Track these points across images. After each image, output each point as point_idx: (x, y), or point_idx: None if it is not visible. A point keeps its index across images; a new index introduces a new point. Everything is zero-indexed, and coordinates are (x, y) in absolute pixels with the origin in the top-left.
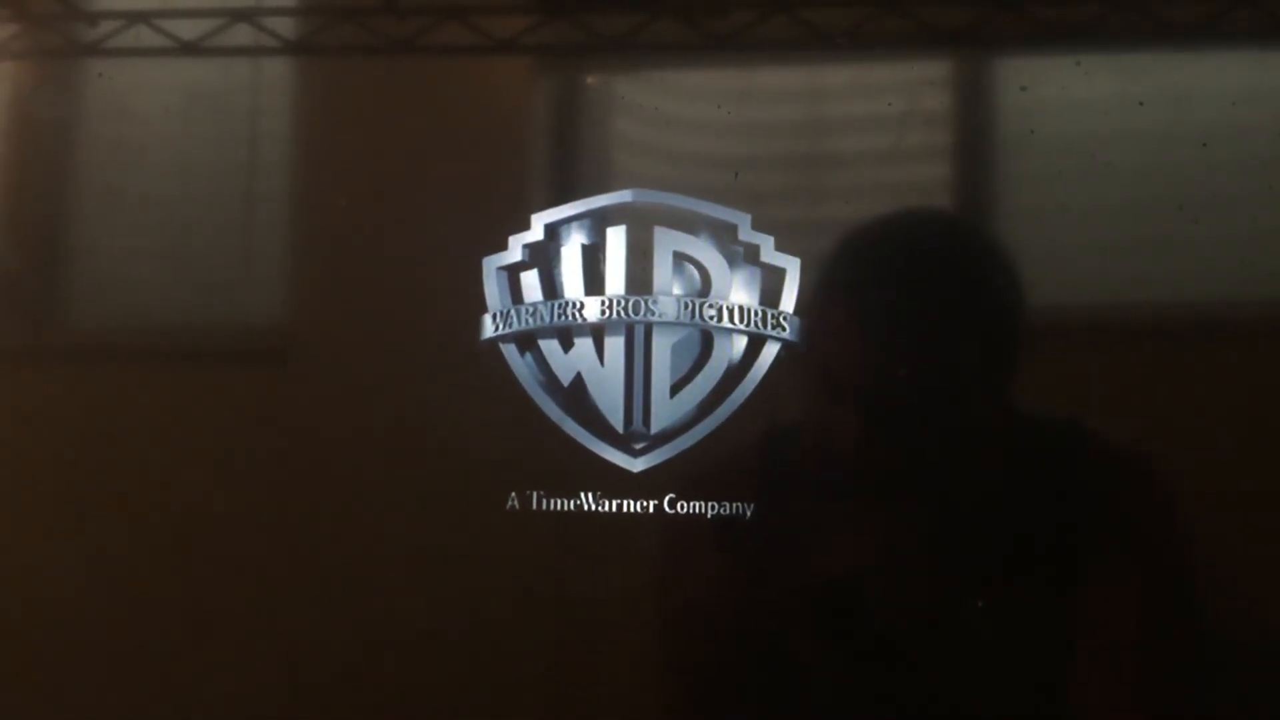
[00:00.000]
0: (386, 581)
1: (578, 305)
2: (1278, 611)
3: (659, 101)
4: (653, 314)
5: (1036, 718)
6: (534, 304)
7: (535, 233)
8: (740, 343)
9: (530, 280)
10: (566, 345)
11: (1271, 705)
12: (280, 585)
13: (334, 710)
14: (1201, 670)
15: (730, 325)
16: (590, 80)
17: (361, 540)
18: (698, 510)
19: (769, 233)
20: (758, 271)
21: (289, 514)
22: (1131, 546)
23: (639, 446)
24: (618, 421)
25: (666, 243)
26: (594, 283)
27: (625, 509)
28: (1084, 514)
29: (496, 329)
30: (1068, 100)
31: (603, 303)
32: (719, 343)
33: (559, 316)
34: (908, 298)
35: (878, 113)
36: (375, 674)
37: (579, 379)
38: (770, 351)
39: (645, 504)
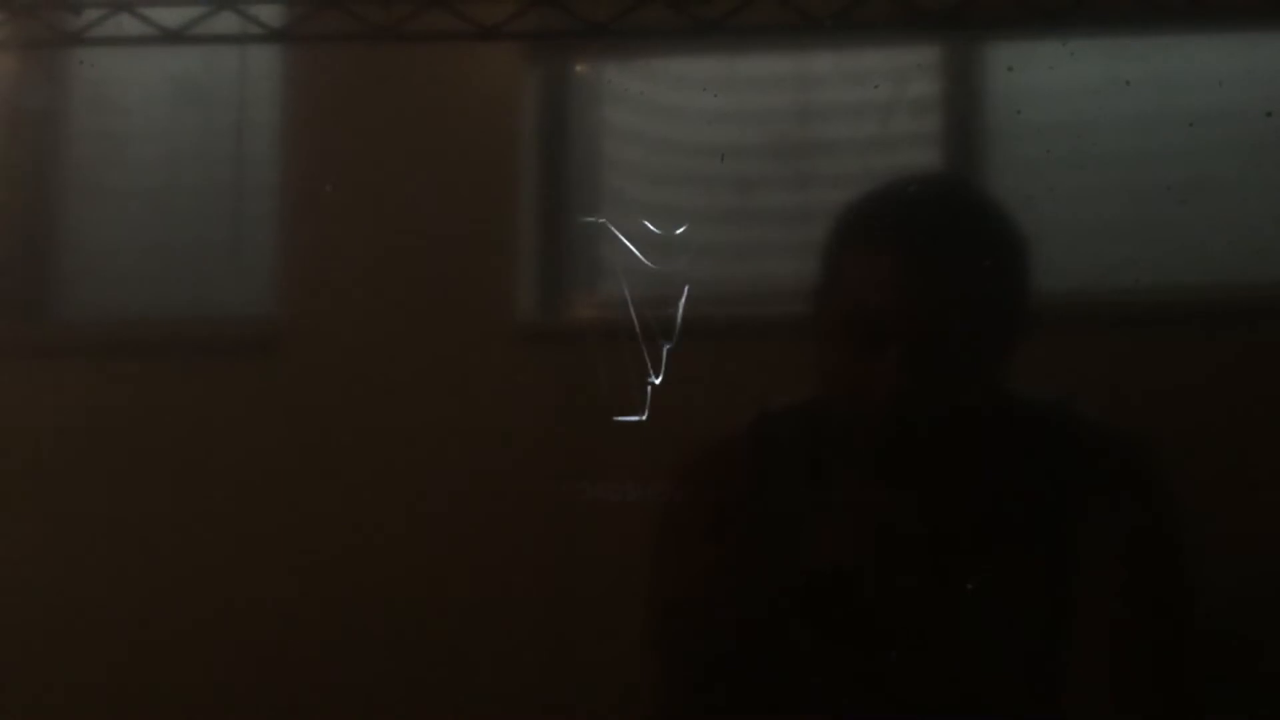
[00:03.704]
0: (381, 572)
1: None
2: (1270, 597)
3: (645, 86)
4: None
5: (1028, 702)
6: None
7: None
8: None
9: None
10: None
11: (1263, 690)
12: (273, 576)
13: (333, 705)
14: (1191, 654)
15: None
16: (577, 66)
17: (355, 529)
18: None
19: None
20: None
21: (279, 502)
22: (1121, 529)
23: None
24: None
25: None
26: None
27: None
28: (1071, 498)
29: None
30: (1054, 81)
31: None
32: None
33: None
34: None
35: (865, 94)
36: (371, 661)
37: None
38: None
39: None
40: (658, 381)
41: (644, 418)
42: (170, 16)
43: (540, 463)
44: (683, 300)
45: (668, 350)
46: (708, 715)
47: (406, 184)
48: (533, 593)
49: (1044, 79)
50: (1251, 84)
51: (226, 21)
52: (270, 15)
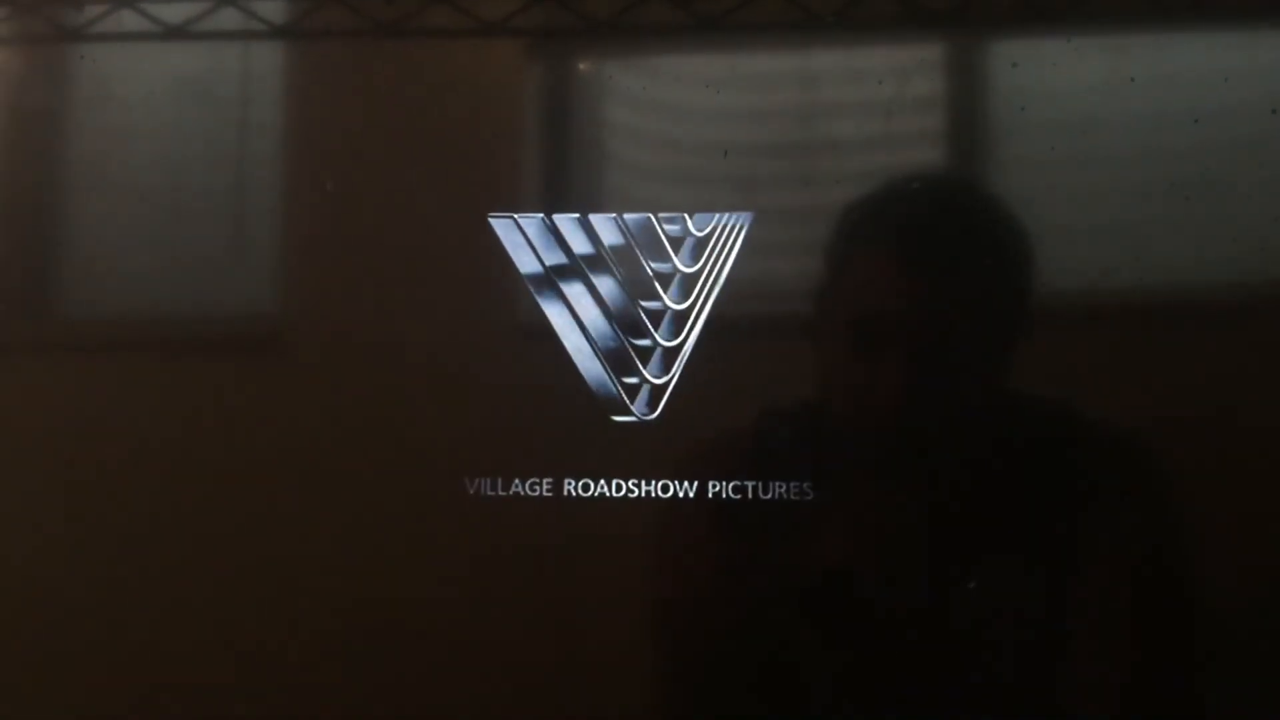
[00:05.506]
0: (381, 571)
1: None
2: (1271, 598)
3: (647, 82)
4: None
5: (1029, 702)
6: None
7: None
8: None
9: None
10: None
11: (1264, 691)
12: (278, 575)
13: (338, 706)
14: (1193, 656)
15: None
16: (579, 63)
17: (358, 529)
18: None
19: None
20: None
21: (284, 502)
22: (1125, 531)
23: None
24: None
25: None
26: None
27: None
28: (1077, 497)
29: None
30: (1059, 78)
31: None
32: None
33: None
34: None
35: (869, 91)
36: (370, 662)
37: None
38: None
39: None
40: (658, 381)
41: (644, 417)
42: (172, 12)
43: (539, 463)
44: (684, 300)
45: (668, 350)
46: (709, 716)
47: (406, 180)
48: (532, 592)
49: (1048, 76)
50: (1257, 81)
51: (229, 17)
52: (272, 11)
